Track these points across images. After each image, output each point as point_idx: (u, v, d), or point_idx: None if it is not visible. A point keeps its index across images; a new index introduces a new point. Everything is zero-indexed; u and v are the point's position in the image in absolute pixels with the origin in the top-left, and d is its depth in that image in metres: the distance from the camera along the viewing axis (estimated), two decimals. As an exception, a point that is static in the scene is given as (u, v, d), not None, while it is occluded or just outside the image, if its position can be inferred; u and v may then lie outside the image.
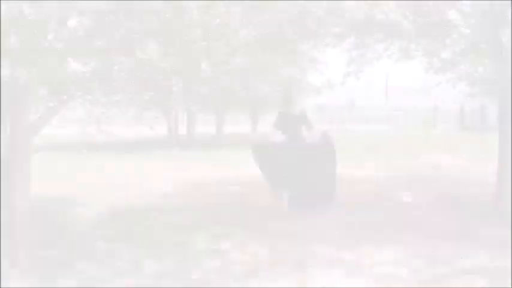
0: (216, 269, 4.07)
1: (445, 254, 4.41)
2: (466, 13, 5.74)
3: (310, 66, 15.08)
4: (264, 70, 4.02)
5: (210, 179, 8.92)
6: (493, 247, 4.60)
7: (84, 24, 3.68)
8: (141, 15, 3.25)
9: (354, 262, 4.22)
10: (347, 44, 6.56)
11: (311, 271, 3.98)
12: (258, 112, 22.36)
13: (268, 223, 5.61)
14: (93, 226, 5.31)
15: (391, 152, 13.54)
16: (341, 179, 8.65)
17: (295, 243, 4.77)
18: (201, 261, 4.27)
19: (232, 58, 3.97)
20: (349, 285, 3.73)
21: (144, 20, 3.34)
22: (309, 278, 3.84)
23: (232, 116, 30.17)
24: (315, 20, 4.17)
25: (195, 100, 4.78)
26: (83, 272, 3.97)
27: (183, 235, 5.06)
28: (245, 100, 13.79)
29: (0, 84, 3.40)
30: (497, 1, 5.31)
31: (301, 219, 5.73)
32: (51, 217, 5.56)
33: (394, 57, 7.11)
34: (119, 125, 5.55)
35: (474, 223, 5.49)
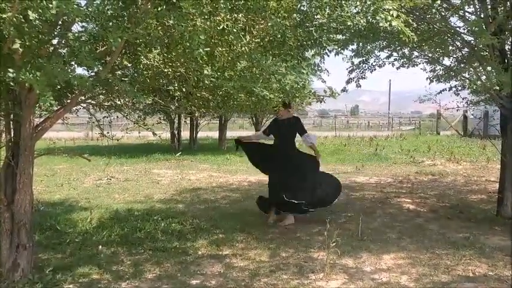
0: (216, 275, 4.07)
1: (446, 261, 4.40)
2: (469, 20, 5.76)
3: (313, 73, 15.14)
4: (266, 76, 4.02)
5: (212, 184, 8.94)
6: (494, 255, 4.59)
7: (89, 29, 3.71)
8: (144, 21, 3.27)
9: (355, 268, 4.21)
10: (349, 51, 6.59)
11: (311, 277, 3.98)
12: (260, 118, 22.44)
13: (269, 229, 5.62)
14: (94, 230, 5.32)
15: (393, 158, 13.56)
16: (343, 185, 8.68)
17: (295, 249, 4.77)
18: (201, 267, 4.27)
19: (235, 64, 3.98)
20: (349, 292, 3.72)
21: (147, 25, 3.37)
22: (309, 284, 3.84)
23: (235, 121, 30.18)
24: (317, 27, 4.19)
25: (197, 105, 4.79)
26: (84, 276, 3.97)
27: (183, 240, 5.07)
28: (247, 106, 13.82)
29: (4, 88, 3.44)
30: (500, 8, 5.32)
31: (302, 225, 5.73)
32: (53, 220, 5.58)
33: (397, 64, 7.14)
34: (121, 129, 5.57)
35: (476, 230, 5.48)
